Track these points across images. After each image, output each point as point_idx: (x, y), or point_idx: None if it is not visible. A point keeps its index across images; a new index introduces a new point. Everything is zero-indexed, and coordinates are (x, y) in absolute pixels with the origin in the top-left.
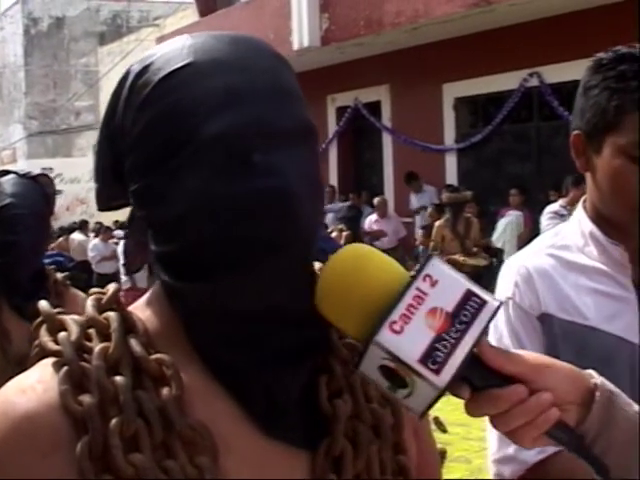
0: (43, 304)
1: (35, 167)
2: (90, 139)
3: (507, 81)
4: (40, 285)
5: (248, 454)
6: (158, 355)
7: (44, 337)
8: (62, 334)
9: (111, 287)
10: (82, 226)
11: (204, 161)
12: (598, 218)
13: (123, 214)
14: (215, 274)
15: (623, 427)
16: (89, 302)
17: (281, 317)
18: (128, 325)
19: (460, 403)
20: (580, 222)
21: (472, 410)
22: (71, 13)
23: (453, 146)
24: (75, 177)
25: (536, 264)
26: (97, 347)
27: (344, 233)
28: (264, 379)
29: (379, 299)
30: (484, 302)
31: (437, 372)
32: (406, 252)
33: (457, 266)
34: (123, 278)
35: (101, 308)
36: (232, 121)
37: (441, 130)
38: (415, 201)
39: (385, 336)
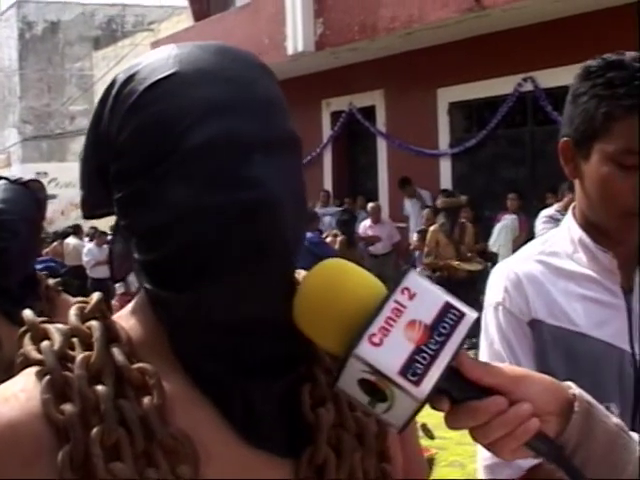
0: (27, 313)
1: (30, 171)
2: None
3: (501, 86)
4: (31, 291)
5: (230, 463)
6: (140, 364)
7: (28, 346)
8: (45, 343)
9: (95, 296)
10: (76, 230)
11: (188, 171)
12: (587, 225)
13: None
14: (197, 283)
15: (601, 439)
16: (72, 311)
17: (263, 327)
18: (111, 334)
19: None
20: (569, 229)
21: (452, 423)
22: (66, 17)
23: (447, 151)
24: (70, 181)
25: (526, 270)
26: (79, 356)
27: (338, 238)
28: (245, 389)
29: (357, 314)
30: (462, 314)
31: (417, 384)
32: (400, 257)
33: (452, 271)
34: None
35: (84, 317)
36: (216, 131)
37: (435, 135)
38: (409, 206)
39: (364, 349)
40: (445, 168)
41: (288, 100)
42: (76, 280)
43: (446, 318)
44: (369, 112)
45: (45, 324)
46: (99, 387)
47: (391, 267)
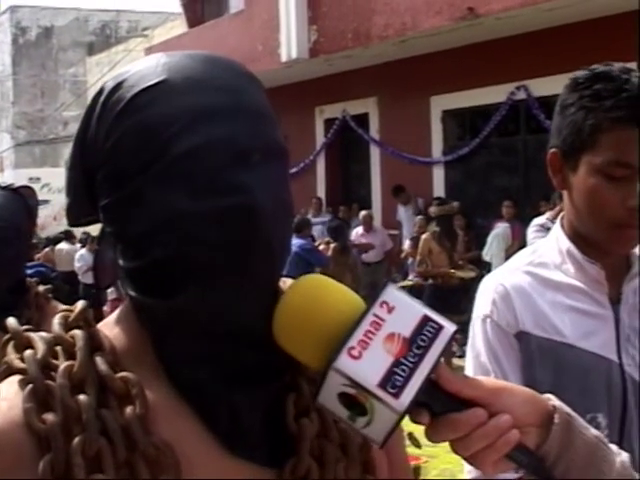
0: (11, 321)
1: (22, 177)
2: None
3: (494, 94)
4: (20, 297)
5: (212, 473)
6: (123, 373)
7: (11, 354)
8: (28, 352)
9: (79, 304)
10: (68, 236)
11: (174, 177)
12: (575, 236)
13: None
14: (181, 290)
15: (581, 450)
16: (56, 320)
17: (248, 335)
18: (95, 343)
19: None
20: (557, 239)
21: (432, 435)
22: (60, 23)
23: (441, 159)
24: (63, 187)
25: (513, 282)
26: (62, 365)
27: (331, 245)
28: (229, 398)
29: (336, 328)
30: (441, 327)
31: (396, 396)
32: (392, 265)
33: (446, 278)
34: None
35: (68, 326)
36: (202, 139)
37: (429, 142)
38: (402, 212)
39: (344, 362)
40: (438, 176)
41: (282, 107)
42: (67, 285)
43: (424, 331)
44: (362, 119)
45: (29, 332)
46: (81, 396)
47: (383, 275)
